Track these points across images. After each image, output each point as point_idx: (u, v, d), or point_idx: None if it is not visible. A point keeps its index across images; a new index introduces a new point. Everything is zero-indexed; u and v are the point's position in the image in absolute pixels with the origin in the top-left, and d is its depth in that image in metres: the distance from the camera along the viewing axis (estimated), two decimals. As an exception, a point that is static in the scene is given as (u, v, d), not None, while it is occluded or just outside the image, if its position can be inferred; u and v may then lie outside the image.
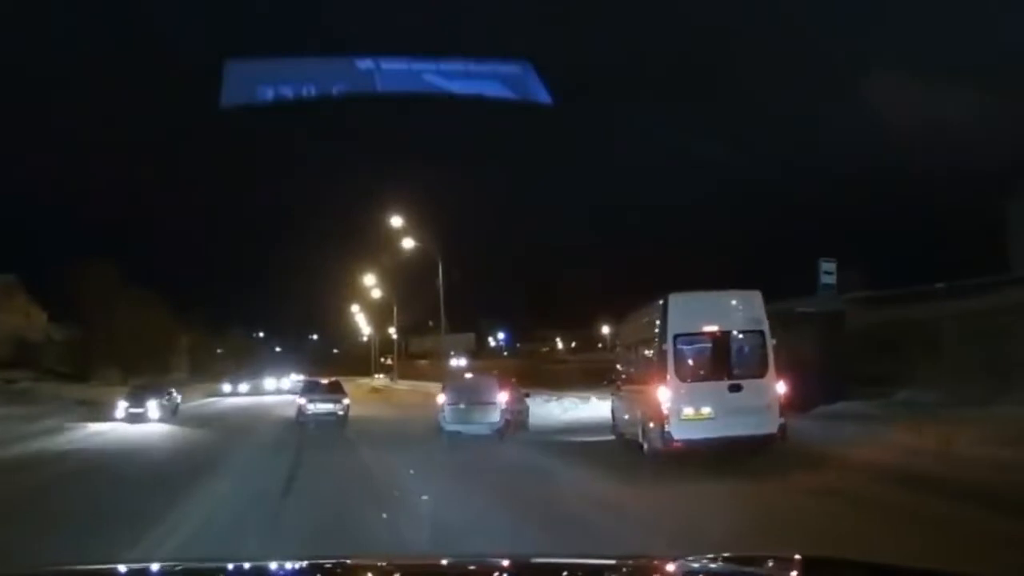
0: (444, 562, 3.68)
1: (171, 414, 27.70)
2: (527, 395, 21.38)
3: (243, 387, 52.68)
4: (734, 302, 13.29)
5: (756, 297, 13.23)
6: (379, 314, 71.90)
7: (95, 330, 47.06)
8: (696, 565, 3.01)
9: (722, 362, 12.99)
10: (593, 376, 34.80)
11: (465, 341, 61.58)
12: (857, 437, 13.25)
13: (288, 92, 13.11)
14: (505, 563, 3.39)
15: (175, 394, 30.60)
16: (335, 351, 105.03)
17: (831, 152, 36.44)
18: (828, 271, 18.82)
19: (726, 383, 12.76)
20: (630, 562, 3.32)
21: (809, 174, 35.19)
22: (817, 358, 17.00)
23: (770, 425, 12.52)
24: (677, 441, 12.44)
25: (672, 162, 46.40)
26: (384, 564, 3.41)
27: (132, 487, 11.82)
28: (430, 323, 59.42)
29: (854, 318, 19.84)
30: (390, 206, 43.62)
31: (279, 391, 50.98)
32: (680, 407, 12.56)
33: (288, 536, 8.26)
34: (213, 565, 3.35)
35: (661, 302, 13.25)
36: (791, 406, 13.23)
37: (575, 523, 8.52)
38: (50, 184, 58.04)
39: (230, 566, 3.21)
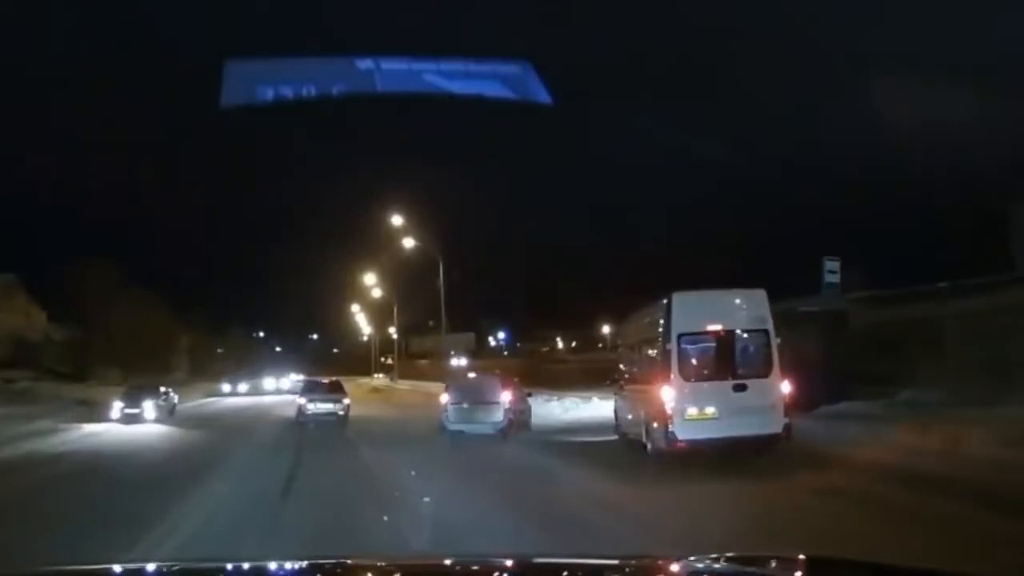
0: (445, 562, 3.64)
1: (168, 415, 27.34)
2: (529, 394, 21.34)
3: (242, 387, 52.43)
4: (738, 301, 13.22)
5: (760, 296, 13.15)
6: (379, 314, 71.94)
7: (95, 330, 47.01)
8: (699, 565, 2.99)
9: (726, 361, 12.91)
10: (594, 376, 34.74)
11: (465, 341, 61.48)
12: (862, 437, 13.15)
13: (288, 92, 13.12)
14: (507, 563, 3.36)
15: (172, 394, 30.20)
16: (335, 351, 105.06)
17: (831, 152, 36.44)
18: (832, 270, 18.72)
19: (730, 383, 12.68)
20: (633, 562, 3.31)
21: (809, 174, 35.16)
22: (820, 357, 16.90)
23: (775, 425, 12.44)
24: (681, 441, 12.36)
25: (672, 162, 46.40)
26: (384, 564, 3.38)
27: (125, 490, 11.53)
28: (430, 323, 59.43)
29: (856, 318, 19.75)
30: (390, 206, 43.67)
31: (278, 391, 50.80)
32: (684, 407, 12.49)
33: (288, 536, 8.19)
34: (213, 565, 3.32)
35: (665, 301, 13.17)
36: (794, 406, 13.15)
37: (580, 525, 8.43)
38: (50, 184, 58.01)
39: (230, 566, 3.19)
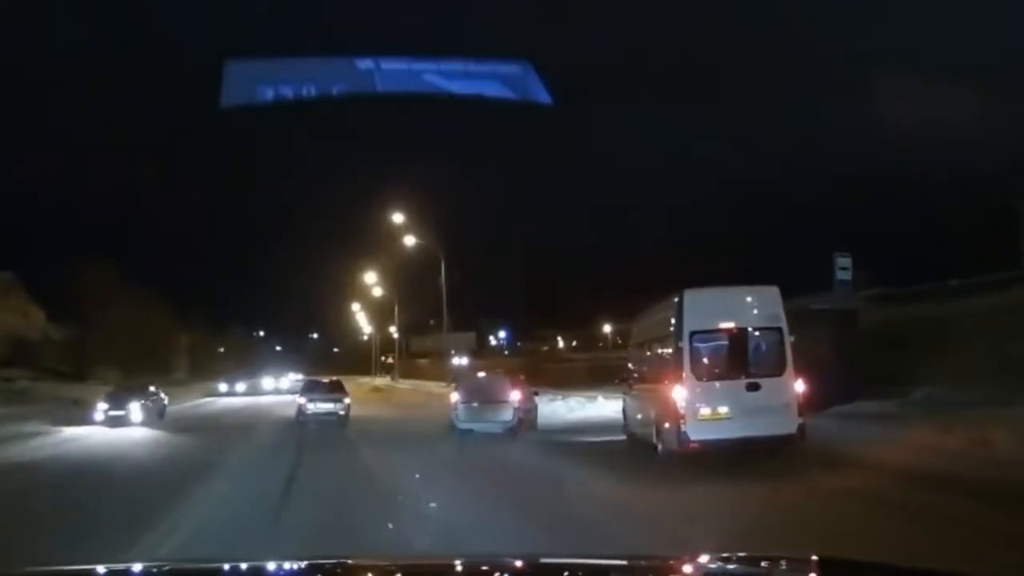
0: (447, 562, 3.48)
1: (157, 417, 25.08)
2: (536, 394, 21.17)
3: (240, 387, 51.48)
4: (751, 298, 12.93)
5: (774, 293, 12.87)
6: (380, 313, 71.80)
7: (94, 329, 46.78)
8: (713, 566, 2.95)
9: (739, 360, 12.62)
10: (597, 375, 34.60)
11: (466, 340, 61.24)
12: (882, 437, 12.83)
13: (288, 92, 13.12)
14: (512, 563, 3.23)
15: (161, 395, 27.78)
16: (336, 350, 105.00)
17: (831, 152, 36.40)
18: (843, 267, 18.44)
19: (743, 382, 12.39)
20: (643, 562, 3.28)
21: (809, 174, 35.05)
22: (832, 356, 16.65)
23: (789, 425, 12.14)
24: (694, 442, 12.06)
25: (672, 162, 46.35)
26: (384, 564, 3.33)
27: (93, 511, 9.60)
28: (431, 322, 59.31)
29: (865, 316, 19.55)
30: (390, 205, 43.54)
31: (277, 391, 50.23)
32: (697, 407, 12.19)
33: (288, 537, 7.94)
34: (213, 566, 3.26)
35: (676, 299, 12.88)
36: (807, 405, 12.86)
37: (599, 532, 7.99)
38: (50, 184, 57.71)
39: (230, 566, 3.15)
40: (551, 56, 22.38)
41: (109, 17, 44.89)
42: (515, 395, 18.46)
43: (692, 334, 12.55)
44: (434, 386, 46.09)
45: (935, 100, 21.13)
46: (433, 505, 9.65)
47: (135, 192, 72.36)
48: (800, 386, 12.46)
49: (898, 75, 22.90)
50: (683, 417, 12.14)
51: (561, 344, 77.25)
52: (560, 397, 27.40)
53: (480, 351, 66.74)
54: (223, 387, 50.34)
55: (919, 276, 23.37)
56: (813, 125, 36.03)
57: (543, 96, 13.54)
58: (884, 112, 23.20)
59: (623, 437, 16.14)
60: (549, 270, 63.15)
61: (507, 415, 17.94)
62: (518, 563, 3.21)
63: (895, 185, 31.73)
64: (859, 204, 34.84)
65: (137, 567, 3.22)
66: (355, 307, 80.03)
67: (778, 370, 12.49)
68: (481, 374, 23.28)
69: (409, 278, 56.41)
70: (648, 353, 15.17)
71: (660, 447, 13.14)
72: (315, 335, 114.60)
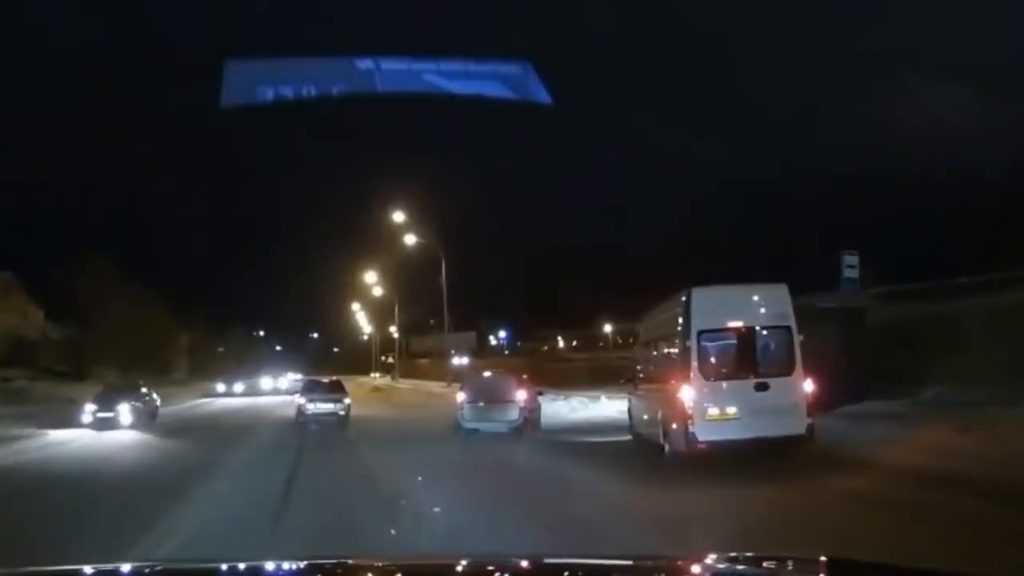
0: (447, 562, 3.41)
1: (148, 419, 24.23)
2: (540, 393, 21.03)
3: (238, 387, 50.64)
4: (759, 297, 12.70)
5: (782, 291, 12.66)
6: (380, 313, 71.73)
7: (93, 329, 46.60)
8: (720, 566, 2.92)
9: (748, 359, 12.40)
10: (598, 375, 34.45)
11: (467, 340, 61.17)
12: (894, 438, 12.55)
13: (288, 92, 13.09)
14: (516, 563, 3.15)
15: (153, 396, 26.86)
16: (336, 350, 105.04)
17: (831, 152, 36.32)
18: (851, 264, 18.21)
19: (752, 381, 12.16)
20: (649, 562, 3.26)
21: (809, 174, 34.98)
22: (839, 355, 16.43)
23: (798, 425, 11.93)
24: (701, 442, 11.84)
25: (672, 162, 46.29)
26: (385, 564, 3.28)
27: (71, 526, 8.74)
28: (431, 322, 59.19)
29: (871, 314, 19.32)
30: (390, 205, 43.43)
31: (276, 391, 49.72)
32: (704, 407, 11.97)
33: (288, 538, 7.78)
34: (213, 566, 3.23)
35: (684, 297, 12.66)
36: (816, 405, 12.65)
37: (611, 537, 7.74)
38: (50, 183, 57.59)
39: (228, 567, 3.13)
40: (551, 56, 22.31)
41: (109, 17, 44.89)
42: (521, 395, 18.35)
43: (700, 333, 12.33)
44: (434, 386, 45.95)
45: (935, 100, 21.00)
46: (437, 510, 9.36)
47: (135, 191, 72.37)
48: (809, 386, 12.26)
49: (898, 75, 22.82)
50: (691, 417, 11.92)
51: (561, 344, 77.28)
52: (562, 397, 27.21)
53: (480, 351, 66.70)
54: (221, 387, 49.27)
55: (918, 276, 23.21)
56: (813, 125, 36.06)
57: (543, 96, 13.51)
58: (884, 112, 23.10)
59: (628, 437, 15.94)
60: (549, 270, 63.29)
61: (513, 415, 17.84)
62: (522, 563, 3.12)
63: (895, 185, 31.74)
64: (859, 204, 34.82)
65: (136, 567, 3.18)
66: (355, 307, 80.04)
67: (787, 369, 12.28)
68: (487, 374, 23.13)
69: (409, 278, 56.38)
70: (655, 352, 14.96)
71: (667, 448, 12.93)
72: (315, 335, 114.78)
